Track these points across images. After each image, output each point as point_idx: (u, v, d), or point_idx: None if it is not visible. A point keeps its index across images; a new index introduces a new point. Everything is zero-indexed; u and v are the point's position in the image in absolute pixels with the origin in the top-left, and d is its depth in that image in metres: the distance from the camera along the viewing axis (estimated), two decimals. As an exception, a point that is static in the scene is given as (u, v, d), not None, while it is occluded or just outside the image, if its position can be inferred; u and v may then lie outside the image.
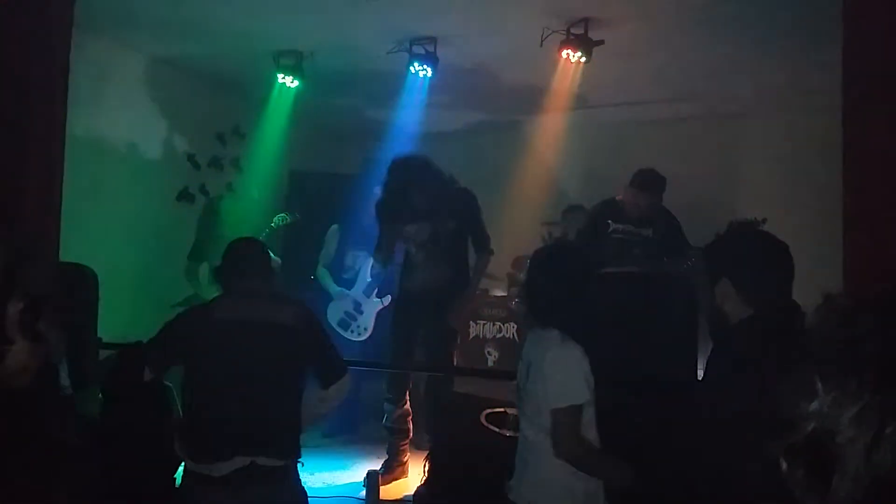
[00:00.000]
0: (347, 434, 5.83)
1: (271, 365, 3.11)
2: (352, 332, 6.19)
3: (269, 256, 3.45)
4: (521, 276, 5.28)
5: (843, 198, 2.95)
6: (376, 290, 6.16)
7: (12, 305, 1.42)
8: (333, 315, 6.20)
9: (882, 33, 2.89)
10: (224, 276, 3.30)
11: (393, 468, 5.01)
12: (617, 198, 5.24)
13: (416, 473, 4.87)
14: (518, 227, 6.76)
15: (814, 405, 0.80)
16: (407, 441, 5.11)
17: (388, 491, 4.86)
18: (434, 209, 4.69)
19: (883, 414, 0.74)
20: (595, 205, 5.51)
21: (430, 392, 5.05)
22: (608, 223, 5.17)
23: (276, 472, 3.04)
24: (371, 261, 5.74)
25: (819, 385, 0.80)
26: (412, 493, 4.80)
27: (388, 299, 6.05)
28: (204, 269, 5.97)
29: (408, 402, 5.06)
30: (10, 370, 1.42)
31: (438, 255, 4.84)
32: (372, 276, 6.10)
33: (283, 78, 6.13)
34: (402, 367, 5.08)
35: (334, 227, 6.26)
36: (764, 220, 4.77)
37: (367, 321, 6.17)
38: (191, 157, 6.72)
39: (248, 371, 3.04)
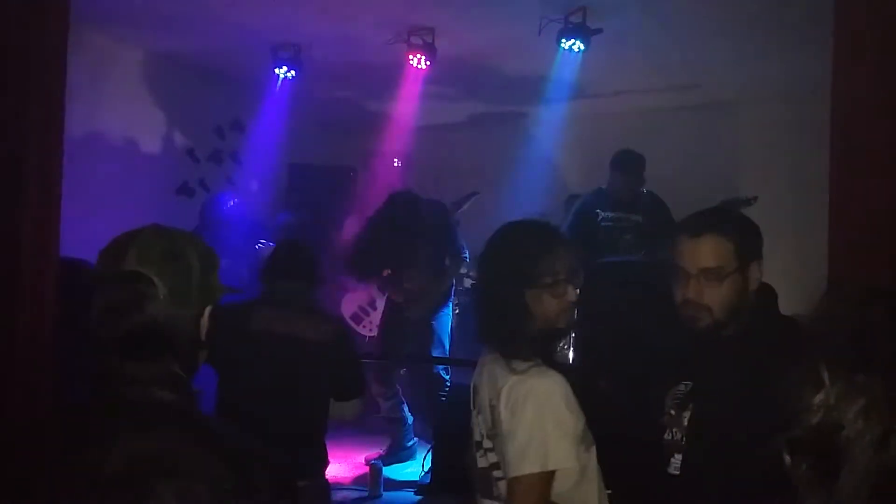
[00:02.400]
0: (351, 425, 5.84)
1: (305, 381, 3.11)
2: (363, 326, 6.18)
3: (314, 263, 3.43)
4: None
5: (829, 186, 2.94)
6: None
7: (206, 312, 1.52)
8: (347, 308, 6.21)
9: (871, 24, 2.89)
10: (267, 279, 3.30)
11: (396, 452, 5.22)
12: (602, 187, 5.25)
13: (423, 456, 4.94)
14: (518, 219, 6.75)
15: (819, 397, 0.77)
16: (405, 427, 5.27)
17: (395, 473, 5.01)
18: (412, 240, 5.14)
19: (892, 408, 0.72)
20: (583, 196, 5.53)
21: (422, 385, 5.23)
22: (597, 212, 5.17)
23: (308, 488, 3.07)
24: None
25: (826, 376, 0.77)
26: (418, 478, 4.85)
27: None
28: None
29: (399, 393, 5.24)
30: (192, 374, 1.52)
31: (417, 269, 5.20)
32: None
33: (281, 70, 6.12)
34: (397, 360, 5.33)
35: (351, 218, 6.24)
36: (755, 198, 4.80)
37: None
38: (190, 151, 6.72)
39: (283, 386, 3.02)
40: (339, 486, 4.73)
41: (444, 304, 5.27)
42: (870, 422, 0.73)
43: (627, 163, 5.08)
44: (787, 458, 0.81)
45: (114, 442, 1.29)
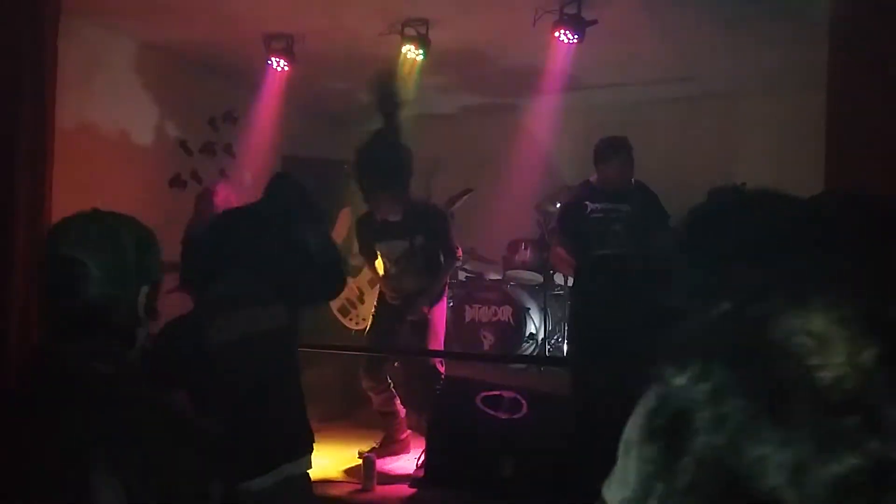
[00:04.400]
0: (343, 419, 5.84)
1: (280, 366, 3.05)
2: (350, 319, 6.19)
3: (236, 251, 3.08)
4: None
5: (824, 178, 2.94)
6: None
7: (144, 289, 1.63)
8: (335, 300, 6.20)
9: (868, 15, 2.88)
10: (196, 284, 3.03)
11: (389, 445, 5.18)
12: (590, 179, 5.24)
13: (416, 449, 4.92)
14: (512, 211, 6.76)
15: None
16: (398, 420, 5.24)
17: (388, 467, 4.95)
18: (407, 229, 4.98)
19: None
20: (571, 189, 5.52)
21: (416, 378, 5.20)
22: (585, 204, 5.15)
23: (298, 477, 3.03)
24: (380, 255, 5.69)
25: None
26: (412, 471, 4.84)
27: None
28: None
29: (390, 387, 5.19)
30: (136, 353, 1.65)
31: (412, 269, 5.09)
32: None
33: (275, 62, 6.09)
34: (387, 352, 5.24)
35: (346, 209, 6.18)
36: (743, 185, 4.79)
37: (368, 311, 6.11)
38: (182, 143, 6.69)
39: (259, 381, 2.95)
40: (331, 479, 4.72)
41: (439, 298, 5.27)
42: None
43: (618, 149, 5.06)
44: None
45: (54, 416, 1.37)
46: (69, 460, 1.30)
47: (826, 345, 0.58)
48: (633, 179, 5.20)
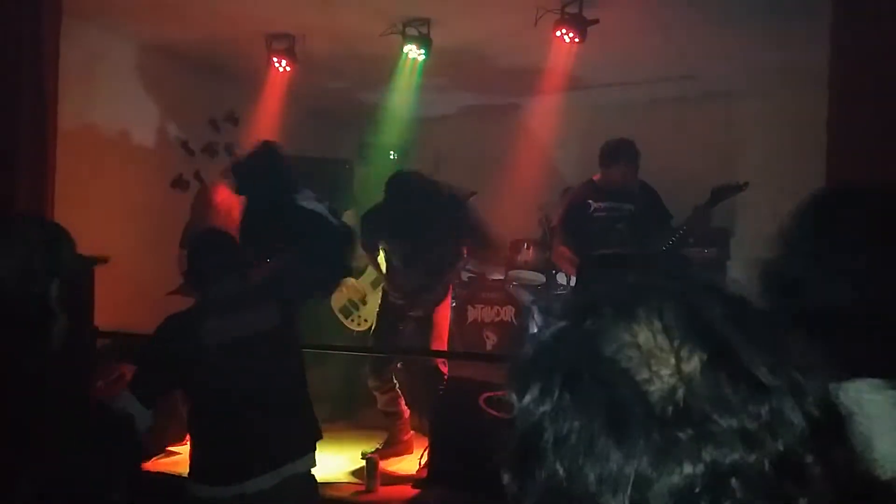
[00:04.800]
0: (346, 420, 5.83)
1: (281, 368, 3.05)
2: (352, 320, 6.18)
3: (237, 247, 3.19)
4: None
5: (826, 177, 2.94)
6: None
7: (55, 283, 1.66)
8: (337, 301, 6.19)
9: (870, 13, 2.88)
10: (198, 281, 3.09)
11: (392, 445, 5.16)
12: (594, 178, 5.23)
13: (419, 450, 4.92)
14: (514, 211, 6.75)
15: None
16: (402, 420, 5.23)
17: (392, 467, 4.95)
18: (416, 226, 4.90)
19: None
20: (573, 188, 5.51)
21: (420, 379, 5.18)
22: (588, 203, 5.14)
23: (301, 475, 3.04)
24: (383, 253, 5.65)
25: None
26: (415, 472, 4.84)
27: None
28: None
29: (396, 387, 5.18)
30: (56, 344, 1.66)
31: (419, 265, 5.06)
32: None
33: (276, 62, 6.09)
34: (390, 352, 5.22)
35: (349, 212, 6.18)
36: (745, 184, 4.78)
37: (370, 313, 6.11)
38: (184, 144, 6.69)
39: (259, 383, 2.95)
40: (335, 480, 4.72)
41: (444, 296, 5.25)
42: None
43: (618, 153, 5.05)
44: None
45: None
46: None
47: (652, 357, 0.59)
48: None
